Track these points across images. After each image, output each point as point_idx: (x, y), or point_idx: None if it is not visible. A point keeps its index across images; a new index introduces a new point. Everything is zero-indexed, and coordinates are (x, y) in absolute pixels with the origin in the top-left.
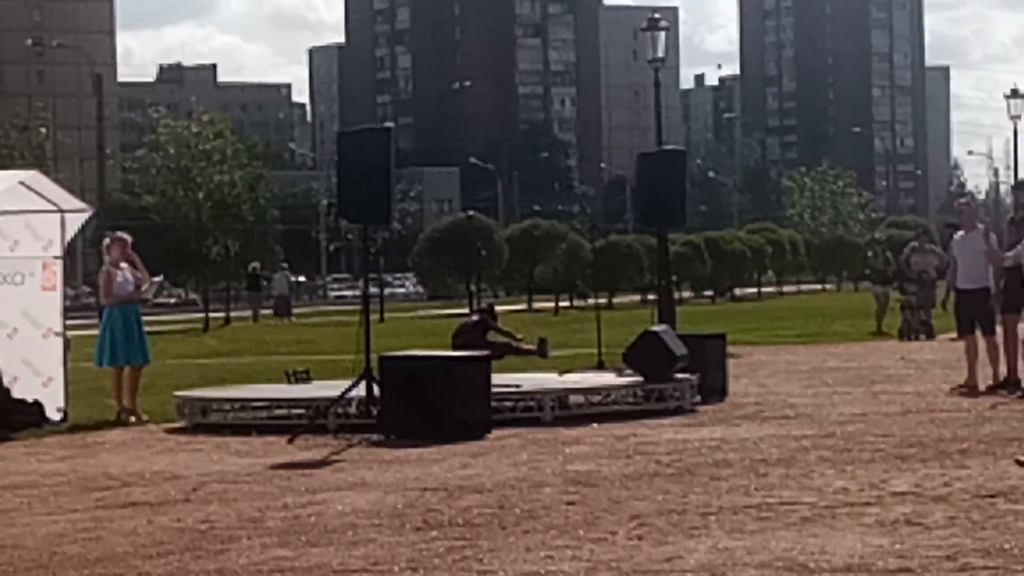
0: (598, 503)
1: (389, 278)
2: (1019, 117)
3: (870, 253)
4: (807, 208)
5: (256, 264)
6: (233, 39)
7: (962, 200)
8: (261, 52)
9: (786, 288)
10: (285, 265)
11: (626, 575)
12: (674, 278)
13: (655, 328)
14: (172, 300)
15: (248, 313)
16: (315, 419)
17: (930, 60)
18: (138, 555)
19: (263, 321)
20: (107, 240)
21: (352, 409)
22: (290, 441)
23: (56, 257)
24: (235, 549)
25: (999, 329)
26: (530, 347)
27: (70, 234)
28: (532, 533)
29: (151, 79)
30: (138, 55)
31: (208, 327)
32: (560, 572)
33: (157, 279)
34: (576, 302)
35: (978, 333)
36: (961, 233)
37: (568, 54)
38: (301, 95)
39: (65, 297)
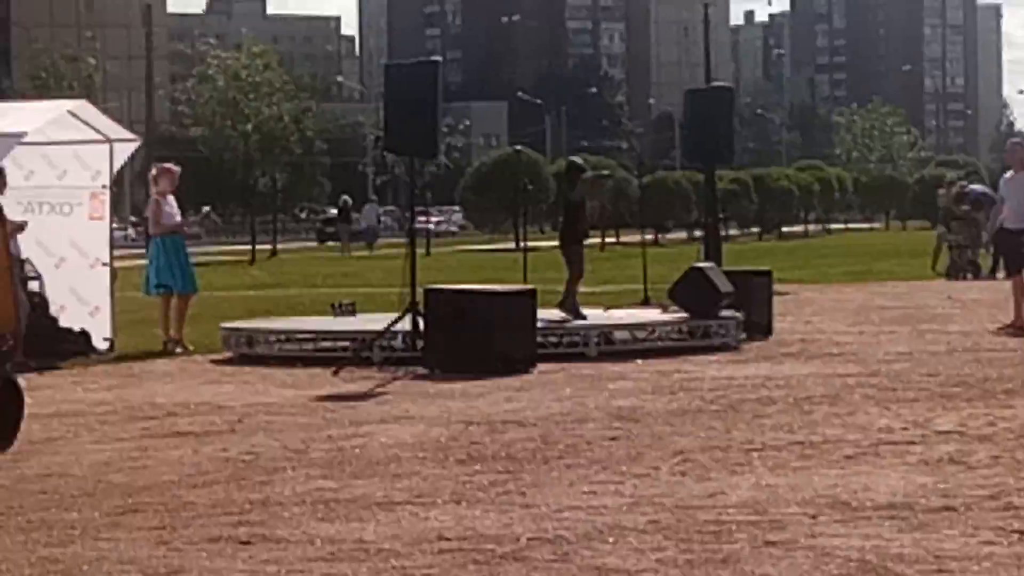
0: (641, 439)
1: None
2: None
3: (940, 191)
4: (856, 146)
5: (347, 197)
6: None
7: (1014, 139)
8: None
9: (833, 226)
10: (374, 198)
11: (669, 511)
12: (721, 215)
13: (701, 264)
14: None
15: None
16: (360, 352)
17: None
18: (183, 484)
19: (354, 252)
20: (154, 170)
21: (397, 342)
22: (335, 373)
23: (104, 187)
24: (279, 480)
25: None
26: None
27: (118, 165)
28: (575, 468)
29: (200, 10)
30: None
31: (255, 259)
32: (602, 507)
33: (205, 209)
34: (622, 238)
35: None
36: (1011, 172)
37: None
38: (350, 28)
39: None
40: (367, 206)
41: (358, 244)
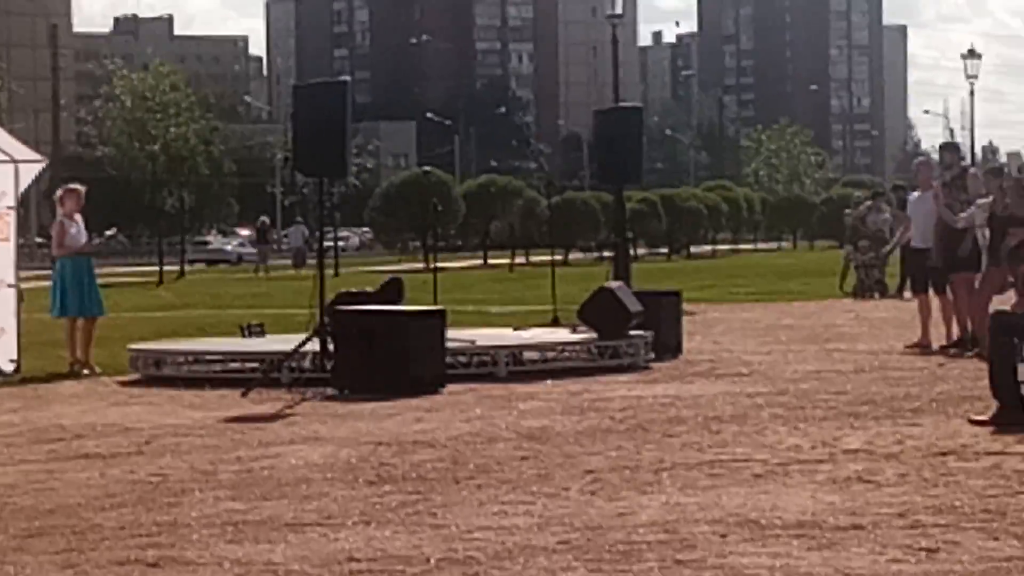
0: (551, 458)
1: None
2: (976, 77)
3: (847, 211)
4: (764, 166)
5: (265, 218)
6: None
7: (920, 159)
8: (211, 4)
9: (741, 246)
10: (300, 220)
11: (579, 530)
12: (630, 235)
13: (610, 284)
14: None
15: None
16: (269, 373)
17: (886, 19)
18: (90, 507)
19: (272, 272)
20: (60, 191)
21: (306, 363)
22: (244, 395)
23: (9, 208)
24: (187, 502)
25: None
26: None
27: (23, 185)
28: (485, 488)
29: (107, 30)
30: (87, 5)
31: (163, 280)
32: (512, 527)
33: (109, 232)
34: (532, 258)
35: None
36: (917, 192)
37: (526, 10)
38: (257, 48)
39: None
40: (293, 227)
41: (275, 264)
